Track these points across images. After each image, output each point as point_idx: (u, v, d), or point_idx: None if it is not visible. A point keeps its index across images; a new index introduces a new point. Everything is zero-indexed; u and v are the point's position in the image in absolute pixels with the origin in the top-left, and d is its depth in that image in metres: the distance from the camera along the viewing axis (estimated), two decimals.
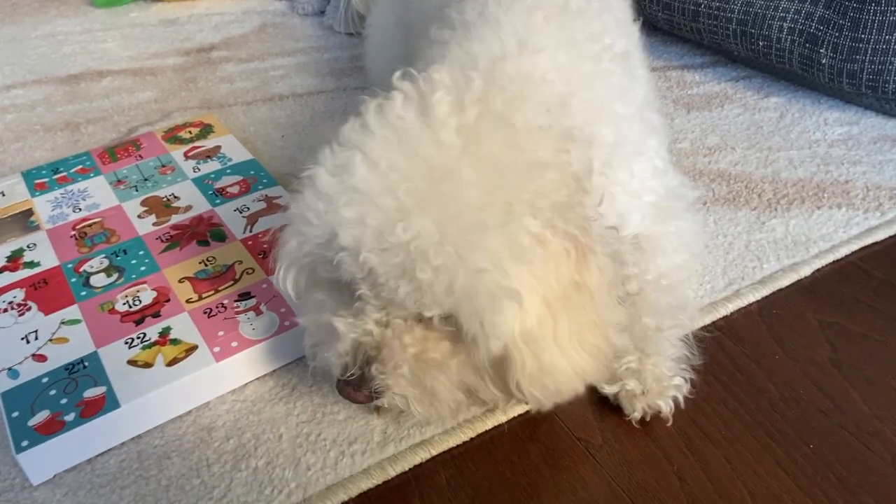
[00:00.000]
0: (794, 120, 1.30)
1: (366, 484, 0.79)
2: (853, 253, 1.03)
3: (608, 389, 0.84)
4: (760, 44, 1.31)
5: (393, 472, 0.80)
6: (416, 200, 0.64)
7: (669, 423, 0.83)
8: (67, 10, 1.97)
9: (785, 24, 1.27)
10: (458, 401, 0.75)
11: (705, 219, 1.08)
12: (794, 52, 1.28)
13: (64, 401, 0.83)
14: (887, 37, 1.17)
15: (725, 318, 0.95)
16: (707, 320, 0.94)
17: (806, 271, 1.00)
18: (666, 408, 0.82)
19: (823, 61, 1.24)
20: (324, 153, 0.70)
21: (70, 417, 0.81)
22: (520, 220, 0.66)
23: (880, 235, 1.05)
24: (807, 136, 1.26)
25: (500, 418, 0.84)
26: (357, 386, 0.72)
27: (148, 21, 1.88)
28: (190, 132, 1.31)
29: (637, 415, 0.82)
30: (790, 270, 1.00)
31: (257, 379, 0.91)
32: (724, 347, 0.92)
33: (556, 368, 0.71)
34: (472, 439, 0.83)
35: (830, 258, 1.02)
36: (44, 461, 0.80)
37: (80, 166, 1.24)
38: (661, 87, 1.42)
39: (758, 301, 0.97)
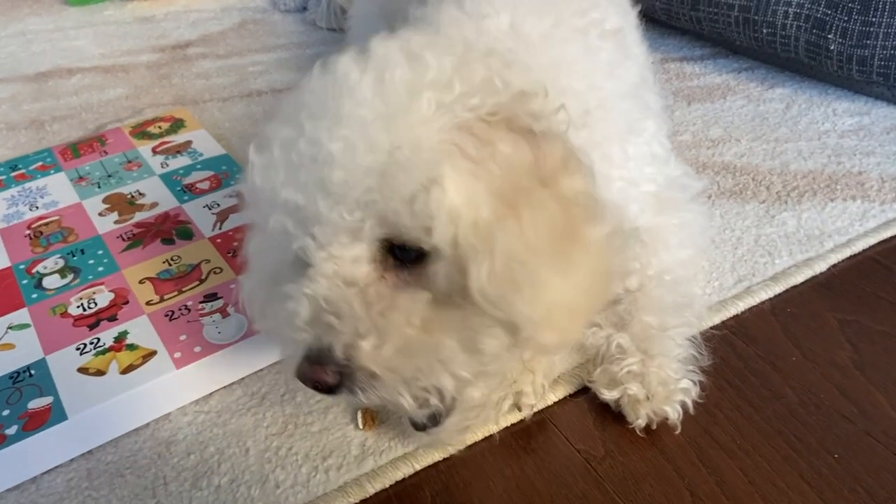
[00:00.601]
0: (802, 111, 1.23)
1: (341, 503, 0.70)
2: (871, 247, 0.96)
3: (608, 395, 0.76)
4: (764, 31, 1.24)
5: (372, 489, 0.72)
6: (312, 116, 0.61)
7: (678, 432, 0.75)
8: (40, 9, 1.90)
9: (790, 9, 1.20)
10: (451, 369, 0.61)
11: (711, 212, 1.01)
12: (801, 38, 1.21)
13: (6, 412, 0.75)
14: None
15: (736, 317, 0.88)
16: (716, 320, 0.87)
17: (821, 267, 0.92)
18: (673, 414, 0.74)
19: (832, 47, 1.17)
20: None
21: (12, 431, 0.73)
22: (429, 96, 0.59)
23: None
24: (815, 128, 1.18)
25: (492, 428, 0.76)
26: (318, 360, 0.60)
27: (123, 19, 1.81)
28: (159, 127, 1.23)
29: (641, 422, 0.74)
30: (804, 266, 0.92)
31: (223, 388, 0.83)
32: (736, 349, 0.84)
33: (528, 260, 0.58)
34: (459, 452, 0.75)
35: (847, 253, 0.94)
36: None
37: (40, 163, 1.16)
38: (660, 79, 1.35)
39: (770, 299, 0.90)
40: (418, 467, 0.73)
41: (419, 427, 0.68)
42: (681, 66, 1.39)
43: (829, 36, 1.17)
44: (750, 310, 0.88)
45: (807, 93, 1.28)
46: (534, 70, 0.68)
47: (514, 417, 0.77)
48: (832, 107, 1.23)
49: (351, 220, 0.59)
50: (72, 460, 0.76)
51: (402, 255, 0.61)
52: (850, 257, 0.95)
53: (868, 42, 1.13)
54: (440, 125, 0.59)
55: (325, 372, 0.60)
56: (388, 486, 0.72)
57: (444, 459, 0.74)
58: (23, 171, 1.14)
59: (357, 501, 0.71)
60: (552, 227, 0.59)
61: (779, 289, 0.90)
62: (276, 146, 0.62)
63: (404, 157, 0.57)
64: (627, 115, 0.81)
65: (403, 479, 0.73)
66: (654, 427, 0.75)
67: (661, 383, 0.75)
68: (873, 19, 1.12)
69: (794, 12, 1.20)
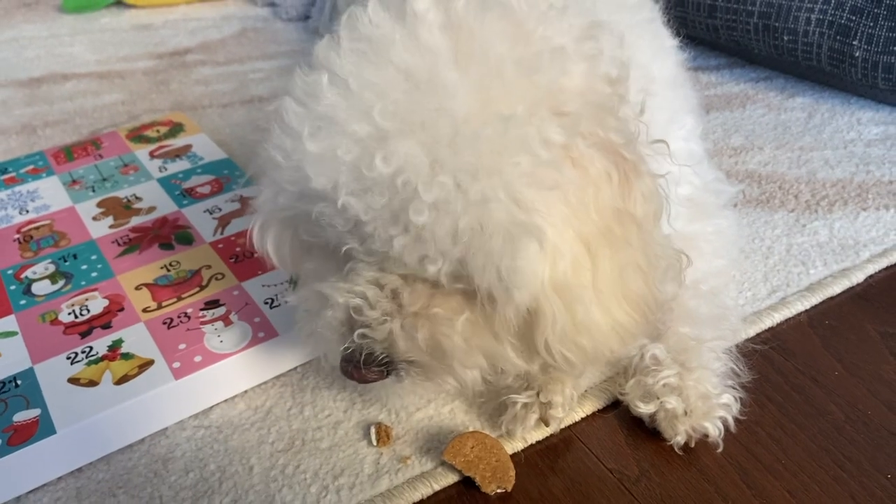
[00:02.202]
0: (825, 120, 1.19)
1: None
2: None
3: (644, 409, 0.71)
4: (785, 38, 1.21)
5: None
6: (396, 121, 0.51)
7: (719, 450, 0.69)
8: (34, 16, 1.85)
9: (813, 15, 1.16)
10: (479, 365, 0.61)
11: (740, 220, 0.96)
12: (823, 45, 1.17)
13: None
14: None
15: (772, 329, 0.83)
16: (751, 332, 0.82)
17: (858, 277, 0.88)
18: (714, 431, 0.69)
19: (856, 54, 1.13)
20: (293, 80, 0.57)
21: None
22: (536, 127, 0.52)
23: None
24: (840, 136, 1.14)
25: (517, 446, 0.71)
26: (360, 363, 0.59)
27: (119, 26, 1.76)
28: (157, 131, 1.18)
29: (680, 439, 0.69)
30: (840, 276, 0.88)
31: (224, 401, 0.77)
32: (774, 363, 0.79)
33: (594, 323, 0.58)
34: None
35: (884, 263, 0.90)
36: None
37: (31, 166, 1.10)
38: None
39: (807, 311, 0.85)
40: (437, 487, 0.68)
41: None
42: (696, 75, 1.35)
43: (854, 42, 1.13)
44: (786, 322, 0.83)
45: (828, 102, 1.24)
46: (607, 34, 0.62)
47: (540, 434, 0.72)
48: (856, 116, 1.19)
49: (430, 269, 0.54)
50: (59, 478, 0.70)
51: None
52: (888, 267, 0.90)
53: (895, 49, 1.09)
54: (547, 163, 0.53)
55: (369, 372, 0.60)
56: None
57: (466, 478, 0.68)
58: (13, 174, 1.08)
59: None
60: (625, 271, 0.58)
61: (815, 300, 0.85)
62: (342, 143, 0.52)
63: (503, 213, 0.52)
64: (671, 104, 0.77)
65: (422, 500, 0.67)
66: (692, 445, 0.69)
67: (701, 398, 0.70)
68: None
69: (817, 19, 1.16)
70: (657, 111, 0.71)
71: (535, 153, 0.52)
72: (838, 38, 1.15)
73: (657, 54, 0.77)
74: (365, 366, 0.59)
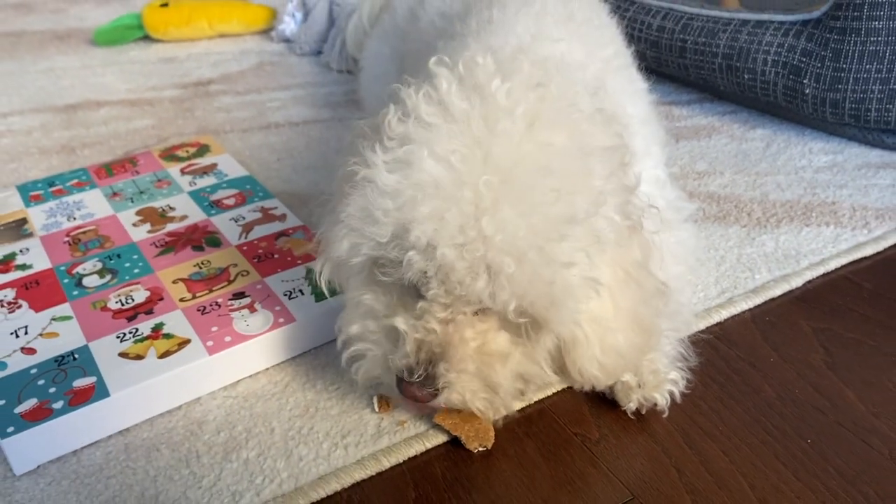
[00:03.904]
0: (780, 149, 1.33)
1: (359, 474, 0.77)
2: (843, 266, 1.05)
3: None
4: (745, 77, 1.36)
5: (387, 463, 0.78)
6: (497, 193, 0.62)
7: (665, 415, 0.82)
8: (67, 48, 2.00)
9: (769, 56, 1.31)
10: (517, 389, 0.75)
11: (699, 233, 1.09)
12: (779, 83, 1.32)
13: (52, 390, 0.82)
14: (868, 66, 1.21)
15: (719, 324, 0.96)
16: (701, 325, 0.95)
17: (797, 282, 1.01)
18: (662, 401, 0.82)
19: (807, 91, 1.28)
20: (371, 151, 0.66)
21: (58, 405, 0.80)
22: (604, 208, 0.67)
23: (868, 251, 1.06)
24: (793, 164, 1.29)
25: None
26: (421, 385, 0.70)
27: (147, 59, 1.91)
28: (187, 151, 1.32)
29: (632, 406, 0.82)
30: (782, 281, 1.01)
31: (249, 377, 0.90)
32: (719, 351, 0.92)
33: (619, 346, 0.73)
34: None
35: (821, 270, 1.03)
36: (28, 449, 0.78)
37: (75, 180, 1.24)
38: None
39: (751, 309, 0.98)
40: (429, 446, 0.80)
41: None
42: (670, 109, 1.50)
43: (805, 81, 1.28)
44: (732, 318, 0.97)
45: (785, 133, 1.39)
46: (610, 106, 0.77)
47: (517, 404, 0.84)
48: (808, 146, 1.34)
49: (502, 306, 0.66)
50: (110, 437, 0.82)
51: None
52: (824, 274, 1.03)
53: (840, 87, 1.24)
54: (606, 234, 0.68)
55: (424, 393, 0.70)
56: (402, 461, 0.79)
57: (454, 438, 0.81)
58: (60, 186, 1.22)
59: (374, 473, 0.78)
60: (638, 305, 0.74)
61: (758, 300, 0.98)
62: (448, 206, 0.62)
63: (578, 273, 0.66)
64: (644, 139, 0.91)
65: (416, 456, 0.80)
66: (643, 412, 0.82)
67: (652, 373, 0.83)
68: (844, 66, 1.23)
69: (773, 59, 1.31)
70: (633, 145, 0.85)
71: (601, 228, 0.67)
72: (791, 76, 1.30)
73: (633, 97, 0.92)
74: (423, 387, 0.70)
